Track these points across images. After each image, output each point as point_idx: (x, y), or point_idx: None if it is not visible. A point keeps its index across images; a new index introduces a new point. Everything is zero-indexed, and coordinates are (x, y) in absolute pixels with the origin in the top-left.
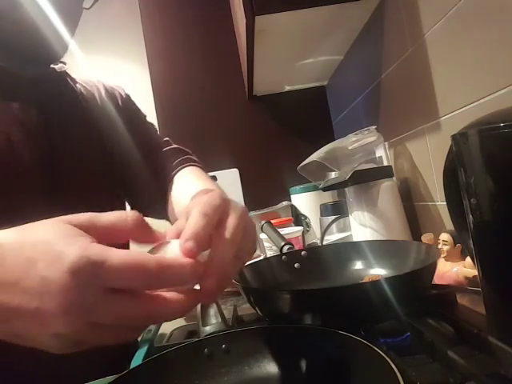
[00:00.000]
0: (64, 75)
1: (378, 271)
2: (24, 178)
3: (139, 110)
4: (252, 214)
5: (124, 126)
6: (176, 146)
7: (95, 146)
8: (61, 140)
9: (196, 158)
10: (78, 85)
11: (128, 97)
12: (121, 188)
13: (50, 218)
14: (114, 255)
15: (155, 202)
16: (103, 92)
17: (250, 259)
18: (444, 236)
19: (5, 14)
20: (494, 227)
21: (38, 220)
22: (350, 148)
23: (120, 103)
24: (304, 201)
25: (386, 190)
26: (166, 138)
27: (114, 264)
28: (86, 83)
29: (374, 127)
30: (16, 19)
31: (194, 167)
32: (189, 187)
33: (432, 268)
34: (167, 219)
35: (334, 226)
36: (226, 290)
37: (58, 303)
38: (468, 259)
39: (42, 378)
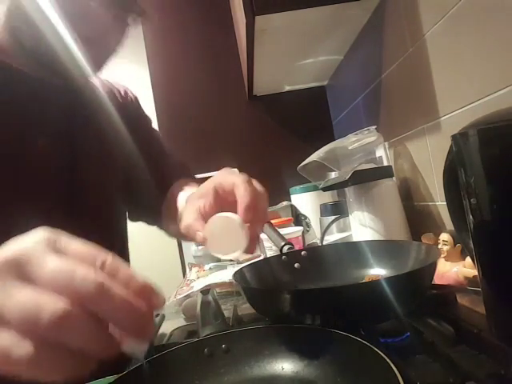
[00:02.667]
0: (90, 83)
1: (378, 271)
2: (46, 185)
3: (146, 115)
4: None
5: (133, 133)
6: (178, 160)
7: (111, 155)
8: (84, 148)
9: (193, 176)
10: (99, 92)
11: (137, 100)
12: (122, 192)
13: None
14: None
15: (152, 208)
16: (118, 96)
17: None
18: (444, 236)
19: (42, 33)
20: (494, 227)
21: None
22: (350, 148)
23: (131, 109)
24: (304, 201)
25: (386, 190)
26: (170, 152)
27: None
28: (104, 86)
29: (374, 127)
30: (53, 40)
31: (189, 181)
32: (184, 192)
33: (432, 268)
34: (160, 226)
35: (334, 225)
36: (226, 290)
37: None
38: (468, 259)
39: None
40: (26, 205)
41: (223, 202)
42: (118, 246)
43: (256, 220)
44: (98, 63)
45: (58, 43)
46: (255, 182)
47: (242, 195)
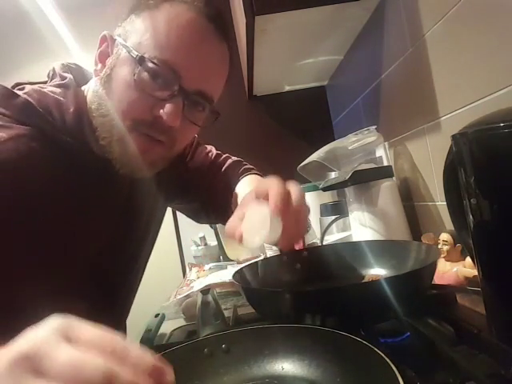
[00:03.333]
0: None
1: (378, 271)
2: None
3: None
4: None
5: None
6: (234, 158)
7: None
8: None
9: (251, 166)
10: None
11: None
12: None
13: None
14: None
15: (221, 214)
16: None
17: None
18: (444, 236)
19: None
20: (494, 227)
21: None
22: (350, 148)
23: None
24: None
25: (386, 190)
26: (226, 154)
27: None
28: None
29: (374, 127)
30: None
31: (252, 175)
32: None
33: (432, 268)
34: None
35: (334, 225)
36: (226, 290)
37: None
38: (468, 259)
39: None
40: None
41: None
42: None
43: (291, 216)
44: (161, 162)
45: (127, 142)
46: (293, 185)
47: (273, 191)
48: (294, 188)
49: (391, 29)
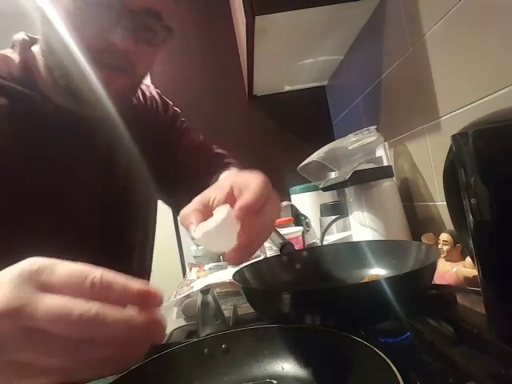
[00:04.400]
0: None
1: (378, 271)
2: (81, 216)
3: (171, 112)
4: None
5: (169, 144)
6: (217, 151)
7: (145, 173)
8: (119, 172)
9: (233, 160)
10: (140, 107)
11: (160, 100)
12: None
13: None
14: (37, 303)
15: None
16: (160, 108)
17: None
18: (444, 236)
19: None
20: (494, 227)
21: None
22: (349, 148)
23: (170, 121)
24: (304, 201)
25: (386, 190)
26: (215, 148)
27: (34, 312)
28: (145, 98)
29: (374, 127)
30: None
31: (234, 170)
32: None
33: (432, 268)
34: None
35: (333, 225)
36: (226, 290)
37: None
38: (468, 259)
39: None
40: (60, 234)
41: (234, 201)
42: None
43: (253, 223)
44: (130, 90)
45: (87, 76)
46: (273, 192)
47: (245, 195)
48: (272, 198)
49: (391, 29)
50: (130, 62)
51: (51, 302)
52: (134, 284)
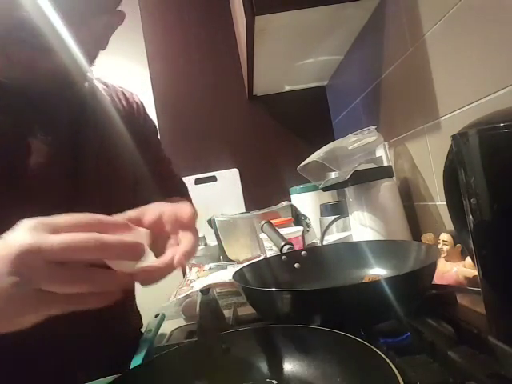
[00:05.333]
0: (92, 88)
1: (378, 271)
2: (46, 192)
3: (150, 122)
4: (252, 213)
5: (137, 141)
6: (176, 174)
7: (115, 161)
8: (86, 154)
9: (186, 191)
10: (101, 96)
11: (142, 106)
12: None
13: None
14: (51, 240)
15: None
16: (124, 101)
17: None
18: (444, 236)
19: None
20: (494, 227)
21: None
22: (349, 148)
23: (136, 116)
24: (304, 201)
25: (386, 189)
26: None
27: (51, 247)
28: (107, 90)
29: (374, 127)
30: (35, 44)
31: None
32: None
33: (432, 268)
34: None
35: (333, 225)
36: (226, 290)
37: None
38: (468, 259)
39: (40, 374)
40: (25, 210)
41: (158, 228)
42: None
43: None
44: (90, 60)
45: (50, 50)
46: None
47: (185, 243)
48: (188, 238)
49: (391, 29)
50: (88, 34)
51: (62, 238)
52: (122, 219)
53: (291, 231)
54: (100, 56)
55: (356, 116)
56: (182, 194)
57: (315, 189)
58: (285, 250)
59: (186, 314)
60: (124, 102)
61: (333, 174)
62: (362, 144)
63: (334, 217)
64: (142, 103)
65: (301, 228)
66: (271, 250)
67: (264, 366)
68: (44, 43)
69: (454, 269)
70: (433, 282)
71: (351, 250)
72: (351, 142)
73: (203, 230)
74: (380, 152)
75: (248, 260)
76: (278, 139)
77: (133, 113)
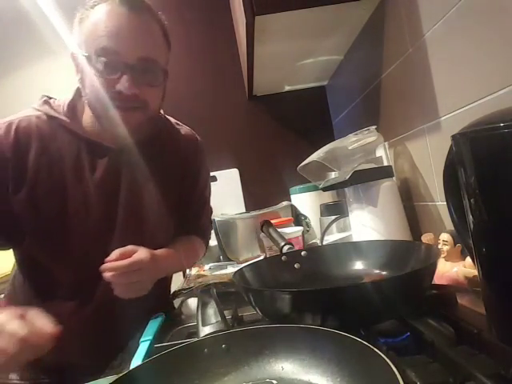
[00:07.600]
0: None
1: (378, 271)
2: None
3: (203, 166)
4: (252, 213)
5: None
6: (207, 218)
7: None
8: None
9: (206, 233)
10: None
11: (201, 152)
12: None
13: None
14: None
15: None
16: (183, 144)
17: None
18: (444, 236)
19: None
20: (494, 227)
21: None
22: (349, 148)
23: (190, 161)
24: (304, 201)
25: (386, 190)
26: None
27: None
28: (171, 133)
29: (374, 127)
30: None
31: (192, 240)
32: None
33: (432, 268)
34: None
35: (334, 225)
36: (226, 290)
37: None
38: (468, 259)
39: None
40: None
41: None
42: None
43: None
44: (146, 122)
45: (113, 116)
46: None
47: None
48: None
49: (391, 29)
50: (142, 101)
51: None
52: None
53: (291, 231)
54: None
55: (356, 116)
56: (198, 234)
57: (315, 189)
58: (285, 250)
59: (186, 314)
60: (186, 148)
61: (333, 174)
62: (361, 144)
63: (334, 217)
64: (202, 152)
65: (301, 228)
66: (271, 250)
67: (264, 366)
68: (133, 105)
69: (454, 269)
70: (433, 282)
71: (351, 250)
72: (351, 142)
73: None
74: (380, 152)
75: (248, 260)
76: (278, 139)
77: (190, 158)
